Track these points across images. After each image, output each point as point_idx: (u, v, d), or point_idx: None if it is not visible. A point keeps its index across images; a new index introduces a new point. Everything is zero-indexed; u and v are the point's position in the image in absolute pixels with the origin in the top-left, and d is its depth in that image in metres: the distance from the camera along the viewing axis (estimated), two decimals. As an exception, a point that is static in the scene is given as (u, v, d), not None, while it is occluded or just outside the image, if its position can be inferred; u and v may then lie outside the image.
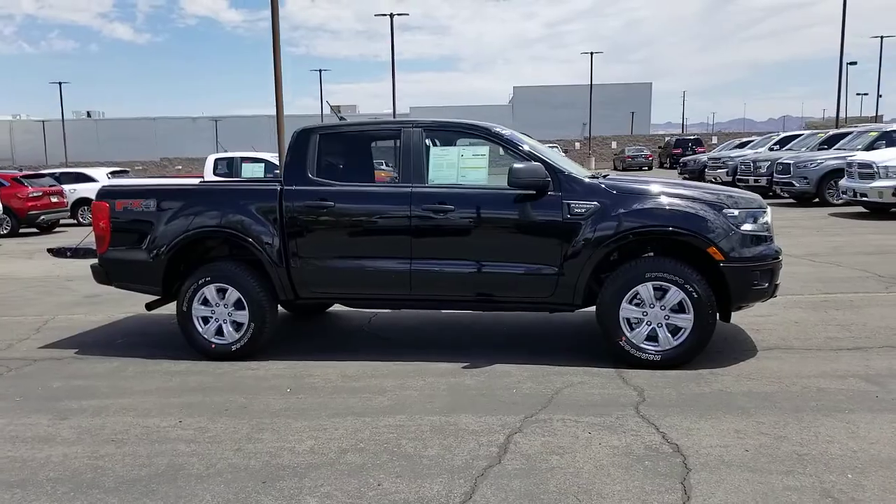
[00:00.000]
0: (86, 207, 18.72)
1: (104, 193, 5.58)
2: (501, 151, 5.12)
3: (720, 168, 24.25)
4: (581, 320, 6.25)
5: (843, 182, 14.61)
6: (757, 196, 5.08)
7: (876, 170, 13.43)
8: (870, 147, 16.23)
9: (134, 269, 5.51)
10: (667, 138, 48.22)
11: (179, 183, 6.03)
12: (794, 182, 16.90)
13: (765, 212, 4.86)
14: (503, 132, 5.13)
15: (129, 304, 7.62)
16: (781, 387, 4.30)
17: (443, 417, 4.00)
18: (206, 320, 5.35)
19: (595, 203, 4.76)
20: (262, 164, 13.26)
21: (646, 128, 71.93)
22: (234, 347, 5.30)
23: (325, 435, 3.81)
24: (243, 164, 13.21)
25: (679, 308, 4.67)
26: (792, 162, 17.27)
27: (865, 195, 13.63)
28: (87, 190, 18.63)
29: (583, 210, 4.75)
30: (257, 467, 3.44)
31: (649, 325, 4.73)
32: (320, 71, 59.06)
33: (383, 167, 8.92)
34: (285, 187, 5.23)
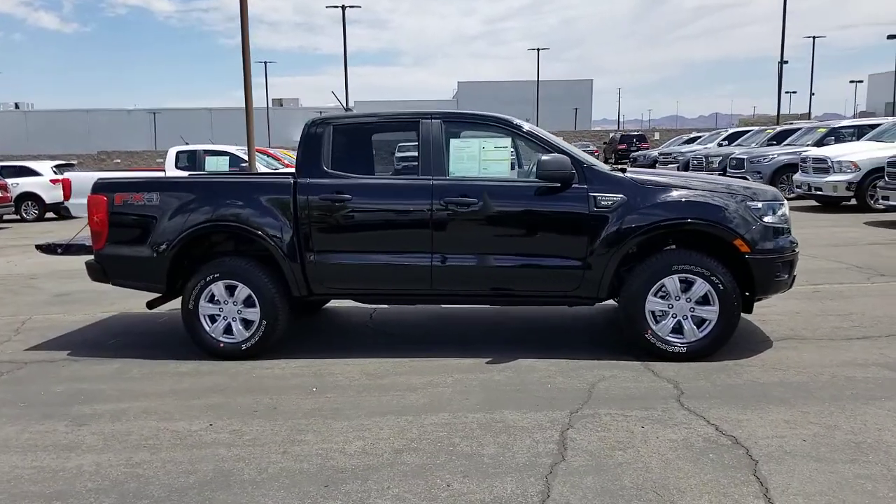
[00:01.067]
0: (30, 202, 17.82)
1: (102, 186, 5.26)
2: (522, 143, 5.06)
3: (671, 163, 24.85)
4: (587, 313, 6.27)
5: (798, 176, 15.13)
6: (773, 188, 5.17)
7: (830, 164, 13.96)
8: (819, 143, 16.88)
9: (135, 265, 5.22)
10: (611, 134, 49.08)
11: (182, 176, 5.77)
12: (747, 177, 17.39)
13: (782, 204, 4.94)
14: (523, 124, 5.07)
15: (106, 303, 7.27)
16: (810, 377, 4.38)
17: (486, 414, 3.92)
18: (212, 318, 5.12)
19: (621, 196, 4.74)
20: (227, 158, 12.84)
21: (587, 124, 73.19)
22: (244, 346, 5.09)
23: (371, 435, 3.68)
24: (207, 158, 12.76)
25: (704, 300, 4.71)
26: (745, 157, 17.82)
27: (820, 189, 14.15)
28: (31, 184, 17.74)
29: (610, 203, 4.74)
30: (312, 470, 3.29)
31: (674, 317, 4.75)
32: (265, 63, 57.89)
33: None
34: (299, 180, 5.04)
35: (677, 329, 4.76)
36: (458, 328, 5.99)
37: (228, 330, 5.12)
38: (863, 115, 61.39)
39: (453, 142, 5.02)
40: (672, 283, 4.70)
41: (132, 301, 7.27)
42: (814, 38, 46.12)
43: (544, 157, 4.70)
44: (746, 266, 4.69)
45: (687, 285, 4.71)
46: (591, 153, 42.84)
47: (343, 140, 5.15)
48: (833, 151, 14.54)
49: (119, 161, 47.40)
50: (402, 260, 4.95)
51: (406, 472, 3.24)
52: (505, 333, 5.76)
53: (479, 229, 4.88)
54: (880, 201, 12.52)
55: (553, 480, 3.11)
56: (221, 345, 5.11)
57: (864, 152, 13.98)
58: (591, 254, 4.76)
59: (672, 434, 3.57)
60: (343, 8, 37.89)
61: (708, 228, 4.69)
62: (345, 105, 5.84)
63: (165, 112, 67.78)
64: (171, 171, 12.52)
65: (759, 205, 4.77)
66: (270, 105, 62.35)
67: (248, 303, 5.07)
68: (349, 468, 3.30)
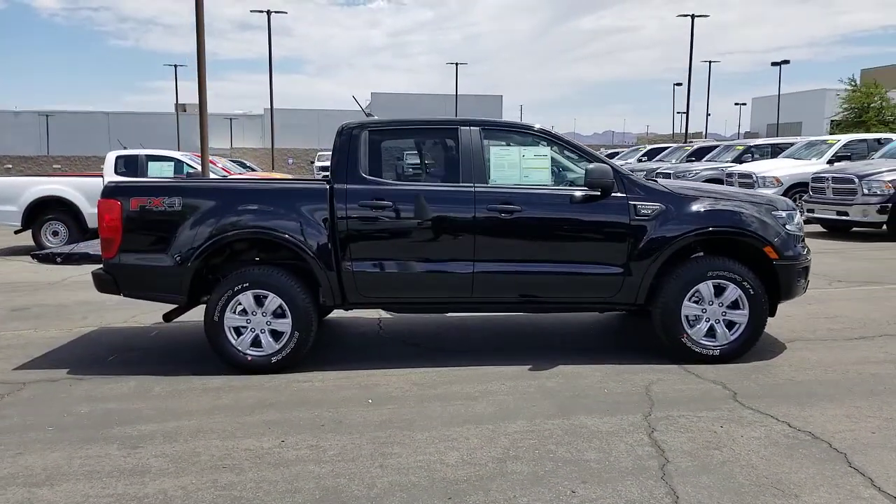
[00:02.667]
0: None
1: (114, 190, 4.90)
2: (558, 153, 5.12)
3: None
4: (589, 319, 6.40)
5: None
6: (787, 199, 5.48)
7: (755, 179, 14.92)
8: (738, 159, 18.02)
9: (153, 275, 4.89)
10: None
11: (205, 180, 5.46)
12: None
13: (797, 213, 5.25)
14: (560, 134, 5.15)
15: (76, 318, 6.78)
16: (839, 374, 4.66)
17: (564, 420, 3.93)
18: (237, 331, 4.87)
19: (659, 205, 4.90)
20: (172, 163, 12.21)
21: (497, 137, 74.57)
22: (273, 359, 4.86)
23: (462, 445, 3.61)
24: (150, 163, 12.08)
25: (734, 305, 4.92)
26: (672, 171, 18.73)
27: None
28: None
29: (649, 211, 4.88)
30: (424, 483, 3.19)
31: (707, 321, 4.94)
32: (175, 66, 55.45)
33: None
34: (336, 186, 4.89)
35: (710, 333, 4.95)
36: (477, 336, 5.97)
37: (256, 342, 4.88)
38: (748, 135, 66.01)
39: (493, 149, 5.03)
40: (707, 288, 4.89)
41: (107, 315, 6.82)
42: (710, 62, 49.17)
43: (591, 166, 4.79)
44: (773, 272, 4.94)
45: (720, 290, 4.91)
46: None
47: (379, 146, 5.05)
48: (757, 168, 15.56)
49: (10, 167, 43.98)
50: (444, 268, 4.89)
51: (523, 481, 3.20)
52: (525, 340, 5.78)
53: (520, 237, 4.90)
54: (805, 214, 13.48)
55: (672, 482, 3.16)
56: (249, 358, 4.86)
57: (786, 168, 15.05)
58: (632, 261, 4.88)
59: (752, 432, 3.71)
60: (268, 12, 36.96)
61: (743, 237, 4.91)
62: (365, 110, 5.70)
63: (59, 115, 63.53)
64: (111, 177, 11.79)
65: (783, 214, 5.05)
66: (173, 110, 59.82)
67: (277, 314, 4.86)
68: (461, 479, 3.23)
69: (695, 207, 4.91)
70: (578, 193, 4.90)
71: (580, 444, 3.59)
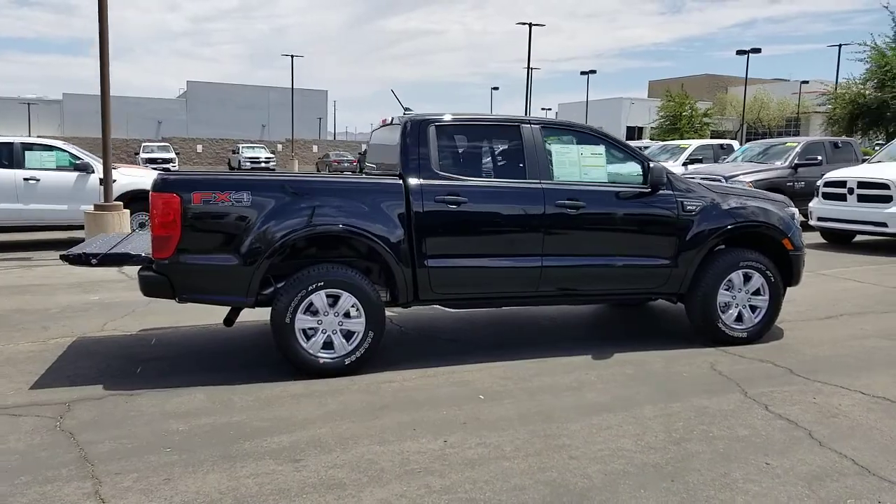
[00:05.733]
0: None
1: (172, 183, 4.39)
2: (610, 151, 5.38)
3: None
4: (586, 312, 6.77)
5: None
6: (784, 196, 6.20)
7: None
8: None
9: (216, 276, 4.45)
10: (364, 146, 50.21)
11: (273, 175, 5.02)
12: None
13: (795, 209, 5.97)
14: (610, 134, 5.43)
15: (35, 329, 5.91)
16: (850, 349, 5.39)
17: (682, 403, 4.19)
18: (306, 333, 4.59)
19: (701, 201, 5.35)
20: (54, 153, 10.74)
21: (325, 133, 73.57)
22: (347, 361, 4.65)
23: (621, 432, 3.75)
24: (26, 152, 10.54)
25: (757, 291, 5.51)
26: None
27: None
28: None
29: (693, 207, 5.31)
30: (631, 469, 3.30)
31: (737, 307, 5.48)
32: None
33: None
34: (410, 182, 4.77)
35: (738, 317, 5.50)
36: (494, 329, 6.04)
37: (328, 344, 4.63)
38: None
39: (554, 147, 5.19)
40: (738, 277, 5.43)
41: (65, 323, 6.05)
42: (529, 69, 52.07)
43: (654, 165, 5.12)
44: (788, 261, 5.60)
45: (747, 279, 5.47)
46: (350, 163, 43.47)
47: (446, 142, 5.00)
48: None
49: None
50: (515, 263, 4.97)
51: (714, 458, 3.43)
52: (549, 333, 5.96)
53: (583, 232, 5.11)
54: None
55: (834, 448, 3.55)
56: (321, 361, 4.61)
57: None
58: (679, 253, 5.28)
59: (843, 400, 4.24)
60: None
61: (768, 230, 5.50)
62: (402, 104, 5.55)
63: None
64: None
65: (792, 210, 5.73)
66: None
67: (347, 313, 4.65)
68: (658, 463, 3.38)
69: (731, 204, 5.43)
70: (634, 190, 5.22)
71: (722, 423, 3.89)
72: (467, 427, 3.82)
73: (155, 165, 32.82)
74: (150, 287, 4.47)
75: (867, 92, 26.46)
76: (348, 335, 4.67)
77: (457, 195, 4.82)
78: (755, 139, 27.77)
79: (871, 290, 7.68)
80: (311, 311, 4.57)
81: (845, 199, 11.08)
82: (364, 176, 5.21)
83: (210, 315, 6.00)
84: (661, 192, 5.27)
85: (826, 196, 11.45)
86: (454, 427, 3.81)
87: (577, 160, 5.23)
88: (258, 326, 5.72)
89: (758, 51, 41.08)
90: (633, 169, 5.34)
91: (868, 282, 8.20)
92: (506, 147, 5.23)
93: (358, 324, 4.65)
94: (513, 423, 3.87)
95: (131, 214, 10.04)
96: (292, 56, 46.31)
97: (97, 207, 9.67)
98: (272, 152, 43.93)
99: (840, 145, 14.67)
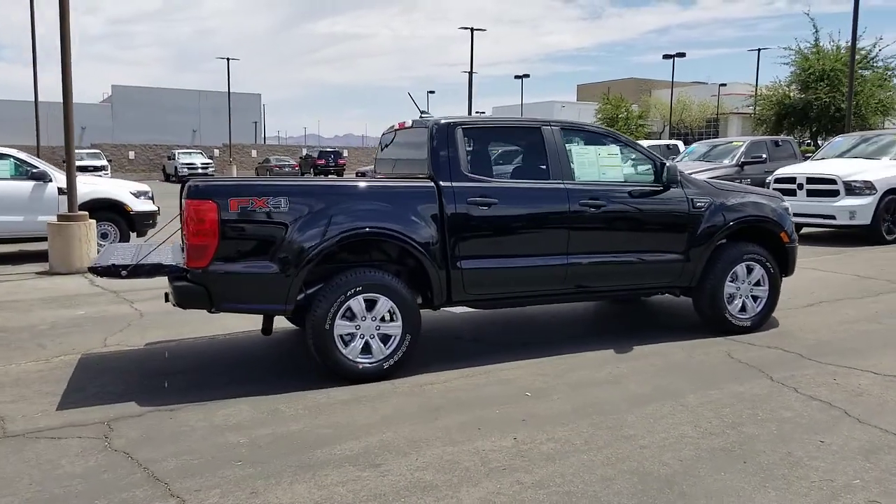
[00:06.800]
0: None
1: (207, 190, 4.28)
2: (624, 151, 5.55)
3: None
4: (580, 308, 6.95)
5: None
6: (776, 191, 6.53)
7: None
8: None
9: (255, 284, 4.38)
10: (304, 150, 49.52)
11: (310, 180, 4.92)
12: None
13: (787, 203, 6.30)
14: (622, 135, 5.62)
15: (52, 345, 5.65)
16: (853, 333, 5.70)
17: (719, 391, 4.38)
18: (343, 338, 4.57)
19: (709, 198, 5.59)
20: (9, 161, 10.15)
21: (260, 138, 72.11)
22: (385, 365, 4.65)
23: (675, 420, 3.90)
24: (-26, 161, 9.92)
25: (758, 282, 5.80)
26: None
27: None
28: None
29: (702, 203, 5.55)
30: (703, 455, 3.45)
31: (741, 297, 5.76)
32: None
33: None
34: (442, 184, 4.81)
35: (742, 307, 5.77)
36: (518, 328, 6.13)
37: (366, 349, 4.62)
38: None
39: (574, 148, 5.32)
40: (742, 269, 5.70)
41: (73, 338, 5.81)
42: (470, 73, 52.63)
43: (669, 164, 5.32)
44: (785, 252, 5.91)
45: (749, 271, 5.75)
46: (291, 167, 42.74)
47: (474, 144, 5.07)
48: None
49: None
50: (544, 262, 5.08)
51: (773, 440, 3.62)
52: (555, 329, 6.12)
53: (604, 230, 5.27)
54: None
55: (874, 424, 3.80)
56: (361, 366, 4.59)
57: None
58: (691, 248, 5.51)
59: (861, 380, 4.53)
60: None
61: (768, 224, 5.80)
62: (419, 107, 5.56)
63: None
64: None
65: (788, 205, 6.06)
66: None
67: (384, 317, 4.66)
68: (725, 447, 3.54)
69: (735, 200, 5.70)
70: (648, 188, 5.41)
71: (764, 407, 4.09)
72: (529, 424, 3.89)
73: (86, 174, 31.32)
74: (186, 298, 4.35)
75: (792, 93, 27.98)
76: (385, 339, 4.66)
77: (487, 196, 4.89)
78: (678, 140, 29.03)
79: (839, 279, 8.16)
80: (349, 316, 4.55)
81: (795, 195, 11.68)
82: (396, 180, 5.20)
83: (210, 326, 5.91)
84: (673, 189, 5.48)
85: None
86: (516, 424, 3.88)
87: (596, 160, 5.39)
88: (260, 335, 5.62)
89: (682, 55, 42.86)
90: (645, 168, 5.53)
91: (832, 270, 8.71)
92: (529, 149, 5.34)
93: (395, 327, 4.66)
94: (571, 418, 3.97)
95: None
96: (228, 59, 45.09)
97: (61, 218, 9.24)
98: (209, 157, 42.71)
99: (780, 143, 15.49)
